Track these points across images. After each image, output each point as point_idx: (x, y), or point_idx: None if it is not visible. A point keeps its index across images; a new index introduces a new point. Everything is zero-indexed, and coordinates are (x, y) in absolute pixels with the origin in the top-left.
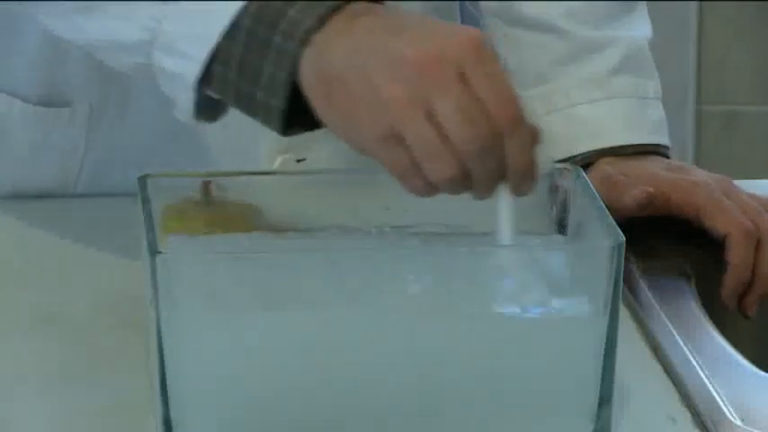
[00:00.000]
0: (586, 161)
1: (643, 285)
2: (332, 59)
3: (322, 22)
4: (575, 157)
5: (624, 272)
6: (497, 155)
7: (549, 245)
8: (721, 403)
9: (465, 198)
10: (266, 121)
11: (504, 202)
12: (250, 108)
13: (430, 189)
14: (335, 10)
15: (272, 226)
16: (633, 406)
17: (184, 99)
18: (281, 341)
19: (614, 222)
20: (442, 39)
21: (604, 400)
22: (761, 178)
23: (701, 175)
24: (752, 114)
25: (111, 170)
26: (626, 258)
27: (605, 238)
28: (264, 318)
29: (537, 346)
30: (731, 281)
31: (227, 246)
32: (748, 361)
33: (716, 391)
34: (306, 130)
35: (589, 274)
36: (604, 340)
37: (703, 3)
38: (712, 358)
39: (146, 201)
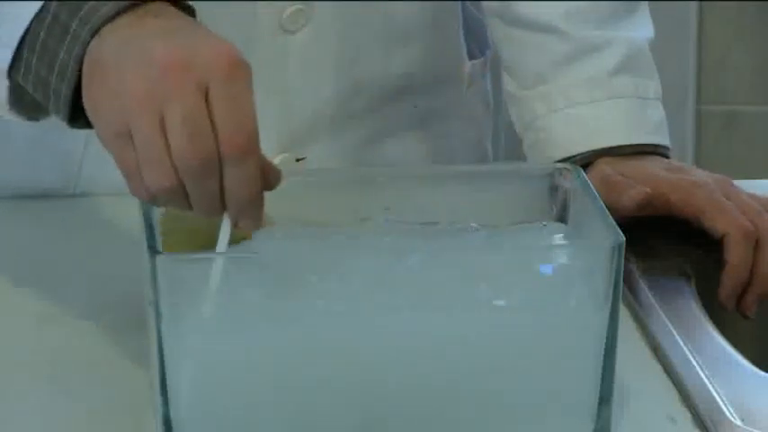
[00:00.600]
0: (586, 161)
1: (643, 285)
2: (103, 49)
3: (117, 14)
4: (574, 157)
5: (624, 272)
6: (216, 180)
7: (550, 245)
8: (721, 403)
9: (465, 198)
10: (56, 108)
11: (223, 231)
12: (45, 94)
13: (150, 196)
14: (133, 6)
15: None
16: (633, 406)
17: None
18: (280, 341)
19: (614, 222)
20: (197, 48)
21: (604, 399)
22: (761, 178)
23: (700, 175)
24: (752, 114)
25: (111, 170)
26: (626, 258)
27: (605, 238)
28: (264, 318)
29: (537, 345)
30: (730, 281)
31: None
32: (748, 361)
33: (716, 391)
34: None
35: (589, 274)
36: (604, 340)
37: (703, 3)
38: (712, 358)
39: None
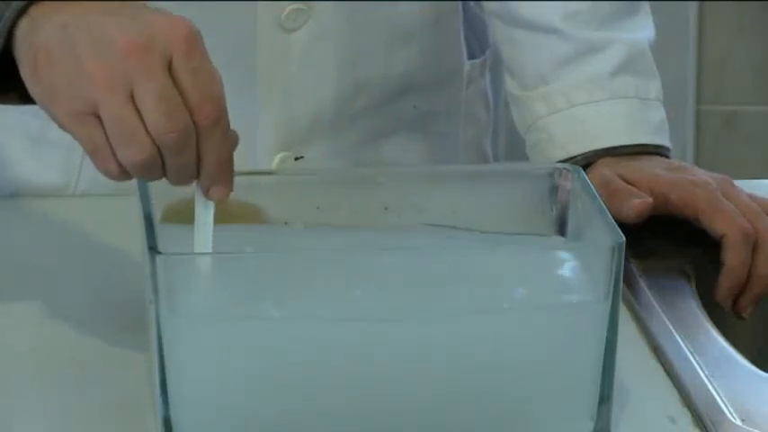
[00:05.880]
0: (587, 161)
1: (643, 285)
2: (43, 30)
3: None
4: (575, 157)
5: (624, 272)
6: (193, 149)
7: (550, 245)
8: (721, 403)
9: (465, 198)
10: None
11: (199, 202)
12: None
13: (121, 173)
14: None
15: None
16: (633, 406)
17: None
18: (280, 341)
19: (614, 222)
20: (153, 27)
21: (604, 399)
22: (761, 178)
23: (700, 175)
24: (752, 114)
25: None
26: (626, 258)
27: (605, 238)
28: (264, 318)
29: (537, 345)
30: (727, 282)
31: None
32: (748, 361)
33: (716, 391)
34: (20, 103)
35: (589, 274)
36: (604, 340)
37: (703, 3)
38: (712, 358)
39: (146, 201)
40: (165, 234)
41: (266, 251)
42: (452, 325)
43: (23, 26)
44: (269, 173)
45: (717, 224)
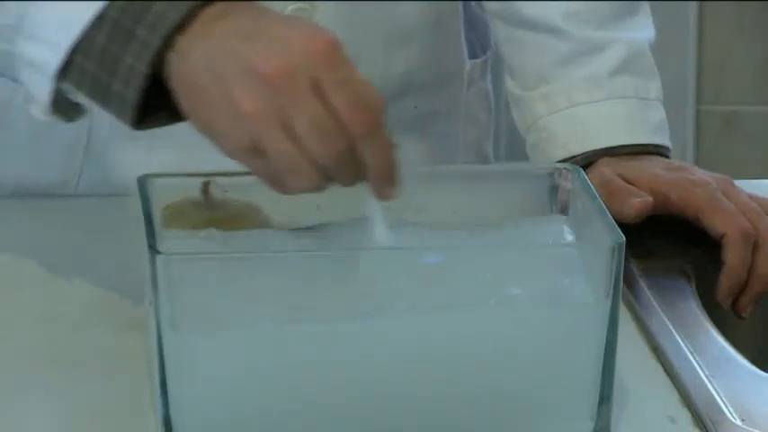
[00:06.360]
0: (587, 161)
1: (643, 285)
2: (192, 62)
3: (186, 18)
4: (575, 157)
5: (624, 272)
6: (356, 161)
7: (550, 245)
8: (721, 403)
9: (466, 198)
10: (120, 112)
11: (370, 204)
12: (105, 99)
13: (294, 192)
14: (199, 7)
15: (272, 226)
16: (633, 406)
17: (42, 90)
18: (280, 341)
19: (614, 222)
20: (291, 47)
21: (604, 399)
22: (761, 178)
23: (701, 174)
24: (752, 114)
25: (111, 169)
26: (626, 258)
27: (605, 238)
28: (264, 318)
29: (537, 345)
30: (727, 281)
31: (227, 245)
32: (748, 361)
33: (716, 391)
34: (164, 124)
35: (589, 274)
36: (604, 340)
37: (703, 3)
38: (712, 358)
39: (146, 201)
40: (166, 234)
41: (265, 252)
42: (452, 325)
43: (171, 58)
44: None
45: (717, 223)
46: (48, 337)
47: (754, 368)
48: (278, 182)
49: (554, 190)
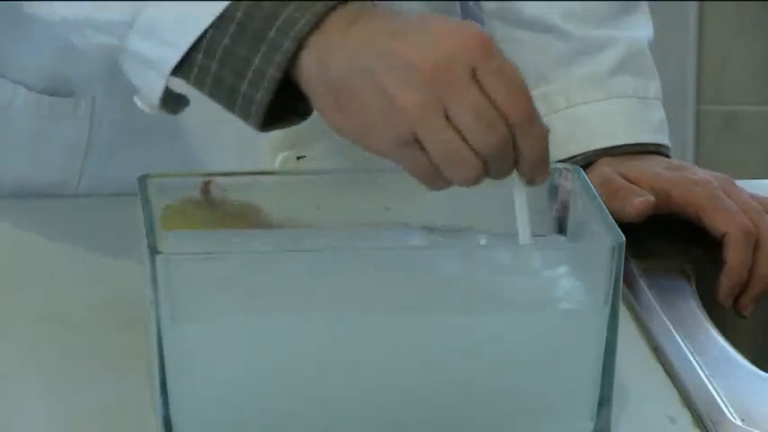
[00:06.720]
0: (587, 161)
1: (643, 285)
2: (335, 66)
3: (318, 21)
4: (575, 157)
5: (624, 272)
6: (512, 150)
7: (550, 245)
8: (721, 403)
9: (465, 199)
10: (245, 114)
11: (518, 192)
12: (230, 100)
13: (448, 186)
14: (332, 9)
15: (272, 226)
16: (633, 406)
17: (154, 86)
18: (280, 341)
19: (614, 222)
20: (445, 41)
21: (604, 399)
22: (761, 178)
23: (701, 173)
24: (752, 114)
25: (112, 169)
26: (626, 258)
27: (605, 238)
28: (264, 318)
29: (537, 345)
30: (728, 280)
31: (227, 244)
32: (748, 361)
33: (716, 391)
34: (284, 127)
35: (589, 274)
36: (604, 340)
37: (703, 3)
38: (712, 358)
39: (146, 201)
40: (165, 234)
41: (265, 251)
42: (452, 325)
43: (309, 62)
44: (269, 173)
45: (718, 222)
46: (48, 337)
47: (754, 368)
48: (436, 175)
49: (554, 190)
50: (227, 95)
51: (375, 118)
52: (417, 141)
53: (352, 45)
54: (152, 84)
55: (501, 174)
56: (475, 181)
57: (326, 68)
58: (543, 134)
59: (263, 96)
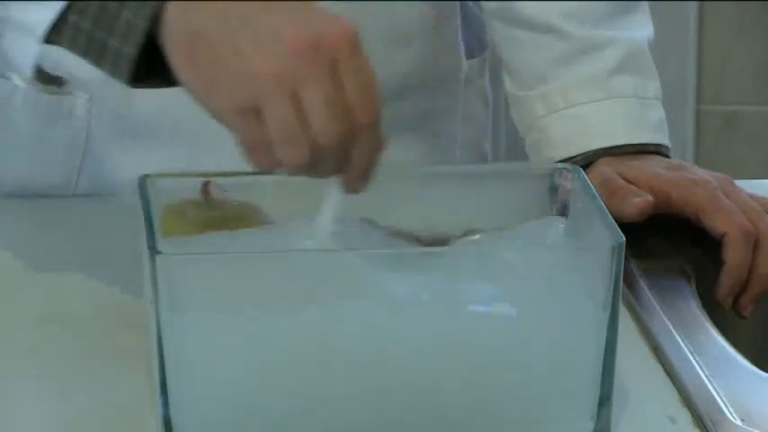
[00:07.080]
0: (587, 161)
1: (643, 285)
2: (199, 19)
3: None
4: (575, 157)
5: (624, 272)
6: (347, 150)
7: (550, 245)
8: (721, 403)
9: (465, 198)
10: (115, 70)
11: (333, 194)
12: (100, 57)
13: (274, 167)
14: None
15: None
16: (633, 406)
17: (28, 52)
18: (280, 341)
19: (614, 222)
20: (319, 25)
21: (604, 399)
22: (761, 178)
23: (701, 173)
24: (752, 114)
25: (111, 169)
26: (626, 258)
27: (605, 238)
28: (264, 318)
29: (537, 345)
30: (728, 280)
31: (227, 245)
32: (748, 361)
33: (716, 391)
34: (157, 86)
35: (589, 274)
36: (604, 340)
37: (703, 3)
38: (712, 358)
39: (146, 201)
40: (165, 234)
41: (265, 250)
42: (452, 325)
43: (173, 13)
44: (269, 173)
45: (718, 222)
46: (48, 337)
47: (754, 368)
48: (266, 151)
49: (554, 190)
50: (97, 52)
51: (224, 77)
52: (257, 112)
53: (224, 5)
54: (26, 50)
55: (326, 170)
56: (300, 168)
57: (190, 21)
58: (380, 146)
59: (129, 49)
